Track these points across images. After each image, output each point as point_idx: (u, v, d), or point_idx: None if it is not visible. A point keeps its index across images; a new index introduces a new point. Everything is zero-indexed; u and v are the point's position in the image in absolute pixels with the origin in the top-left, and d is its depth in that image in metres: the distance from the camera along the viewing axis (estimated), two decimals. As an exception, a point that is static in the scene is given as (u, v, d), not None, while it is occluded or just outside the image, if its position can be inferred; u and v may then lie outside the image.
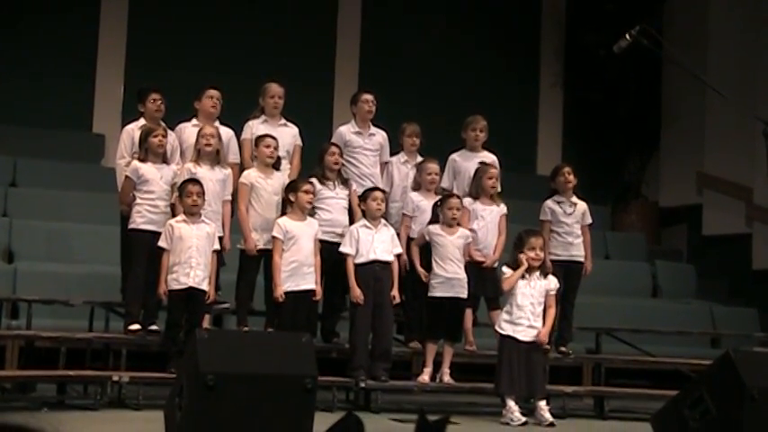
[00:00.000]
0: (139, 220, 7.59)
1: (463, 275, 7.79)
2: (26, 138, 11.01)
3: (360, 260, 7.65)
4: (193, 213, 7.38)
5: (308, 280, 7.55)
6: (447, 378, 7.89)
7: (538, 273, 7.38)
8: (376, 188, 7.96)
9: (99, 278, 8.71)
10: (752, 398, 5.60)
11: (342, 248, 7.69)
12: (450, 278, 7.76)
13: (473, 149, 8.49)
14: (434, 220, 7.93)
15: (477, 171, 8.20)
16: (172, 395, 5.44)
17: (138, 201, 7.61)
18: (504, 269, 7.43)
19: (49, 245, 9.62)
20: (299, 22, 12.41)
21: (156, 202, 7.61)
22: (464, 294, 7.81)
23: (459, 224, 7.86)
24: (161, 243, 7.36)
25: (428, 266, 7.89)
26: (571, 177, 8.37)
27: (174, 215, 7.54)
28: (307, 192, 7.61)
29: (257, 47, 12.11)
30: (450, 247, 7.81)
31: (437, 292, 7.78)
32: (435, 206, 7.98)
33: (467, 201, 8.14)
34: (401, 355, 8.30)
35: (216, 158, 7.77)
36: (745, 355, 5.98)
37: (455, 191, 8.33)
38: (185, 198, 7.37)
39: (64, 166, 10.89)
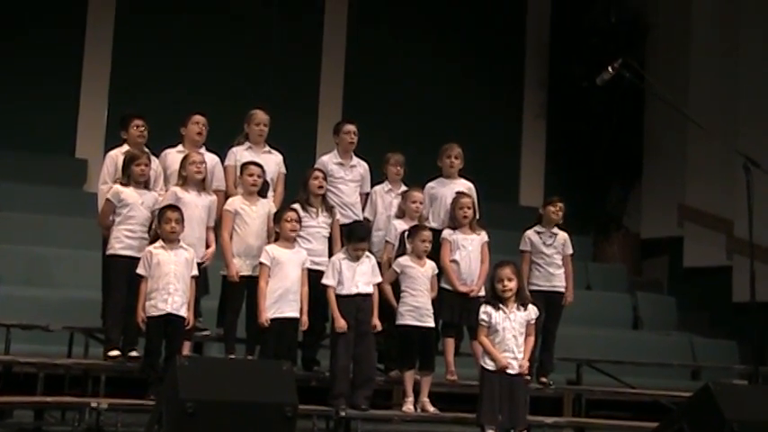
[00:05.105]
0: (117, 246, 7.54)
1: (430, 306, 7.81)
2: (8, 162, 10.97)
3: (341, 291, 7.62)
4: (172, 240, 7.33)
5: (293, 307, 7.50)
6: (429, 408, 7.84)
7: (516, 304, 7.19)
8: (363, 229, 7.87)
9: (79, 304, 8.64)
10: (731, 430, 5.61)
11: (324, 280, 7.64)
12: (418, 307, 7.77)
13: (449, 176, 8.49)
14: (402, 249, 7.94)
15: (452, 202, 8.21)
16: (151, 422, 5.42)
17: (116, 226, 7.57)
18: (483, 309, 7.16)
19: (30, 269, 9.57)
20: (283, 49, 12.45)
21: (135, 228, 7.57)
22: (431, 324, 7.82)
23: (428, 256, 7.87)
24: (139, 270, 7.29)
25: (397, 297, 7.89)
26: (560, 214, 8.39)
27: (152, 241, 7.50)
28: (288, 220, 7.59)
29: (241, 74, 12.14)
30: (421, 278, 7.82)
31: (405, 320, 7.77)
32: (403, 235, 7.99)
33: (447, 232, 8.14)
34: (381, 385, 8.27)
35: (201, 185, 7.77)
36: (725, 388, 6.00)
37: (431, 218, 8.35)
38: (164, 224, 7.31)
39: (46, 191, 10.87)
